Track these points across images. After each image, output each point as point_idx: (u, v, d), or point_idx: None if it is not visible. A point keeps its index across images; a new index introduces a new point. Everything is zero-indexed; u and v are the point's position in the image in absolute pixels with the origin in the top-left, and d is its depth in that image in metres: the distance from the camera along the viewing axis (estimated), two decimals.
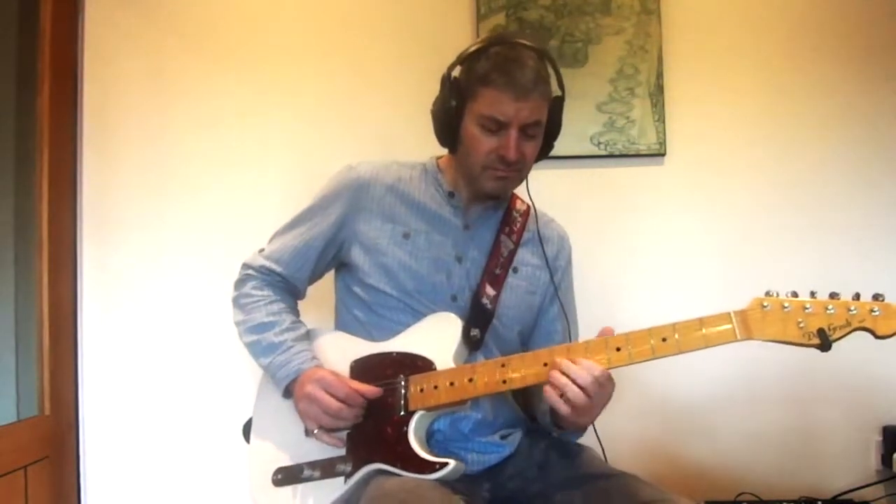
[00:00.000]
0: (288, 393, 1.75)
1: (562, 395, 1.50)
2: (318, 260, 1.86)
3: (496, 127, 1.70)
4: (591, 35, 2.63)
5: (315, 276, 1.91)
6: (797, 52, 2.68)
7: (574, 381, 1.49)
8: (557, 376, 1.51)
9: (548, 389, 1.52)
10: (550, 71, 1.76)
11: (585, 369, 1.49)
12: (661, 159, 2.66)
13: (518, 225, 1.91)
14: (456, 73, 1.78)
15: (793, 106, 2.68)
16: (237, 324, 1.84)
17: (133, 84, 2.65)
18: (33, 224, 2.49)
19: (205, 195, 2.65)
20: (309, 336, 1.84)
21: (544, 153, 1.84)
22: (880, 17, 2.67)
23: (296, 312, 1.89)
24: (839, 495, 2.53)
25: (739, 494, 2.50)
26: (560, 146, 2.53)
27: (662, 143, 2.63)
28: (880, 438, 2.61)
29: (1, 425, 2.32)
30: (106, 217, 2.63)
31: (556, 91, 1.79)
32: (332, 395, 1.63)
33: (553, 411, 1.60)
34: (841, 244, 2.65)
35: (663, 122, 2.62)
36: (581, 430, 1.74)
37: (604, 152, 2.64)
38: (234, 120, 2.66)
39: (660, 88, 2.62)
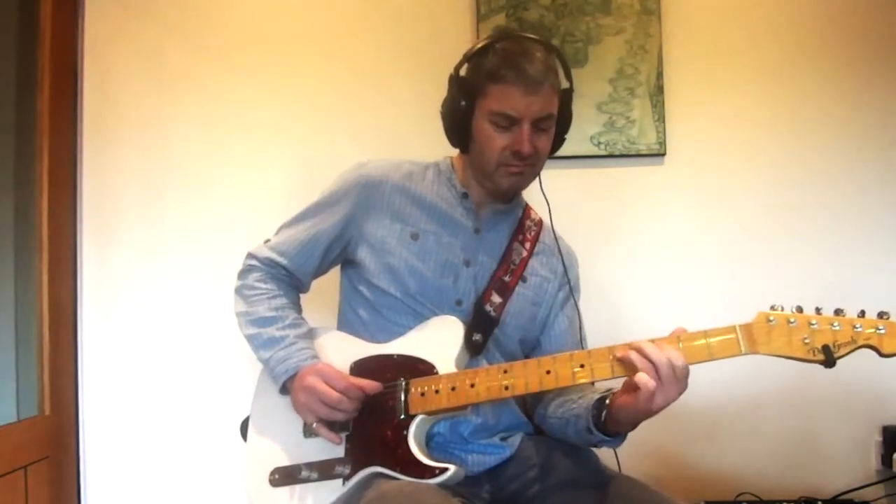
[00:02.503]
0: (285, 389, 1.74)
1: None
2: (324, 256, 1.85)
3: (508, 123, 1.69)
4: (591, 35, 2.63)
5: (320, 271, 1.90)
6: (797, 51, 2.68)
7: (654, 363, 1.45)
8: (642, 360, 1.47)
9: (641, 377, 1.45)
10: (557, 63, 1.74)
11: (665, 354, 1.45)
12: (661, 159, 2.66)
13: (532, 234, 1.90)
14: (463, 71, 1.76)
15: (793, 106, 2.68)
16: (238, 314, 1.82)
17: (133, 84, 2.65)
18: (33, 224, 2.49)
19: (205, 195, 2.65)
20: (311, 334, 1.82)
21: (556, 146, 1.82)
22: (881, 17, 2.67)
23: (298, 309, 1.88)
24: (839, 495, 2.53)
25: (739, 494, 2.50)
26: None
27: (662, 143, 2.63)
28: (880, 438, 2.61)
29: (1, 425, 2.32)
30: (106, 217, 2.63)
31: (564, 83, 1.78)
32: (332, 387, 1.62)
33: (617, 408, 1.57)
34: (841, 244, 2.65)
35: (663, 122, 2.62)
36: (625, 431, 1.64)
37: (604, 152, 2.64)
38: (235, 120, 2.66)
39: (660, 88, 2.62)
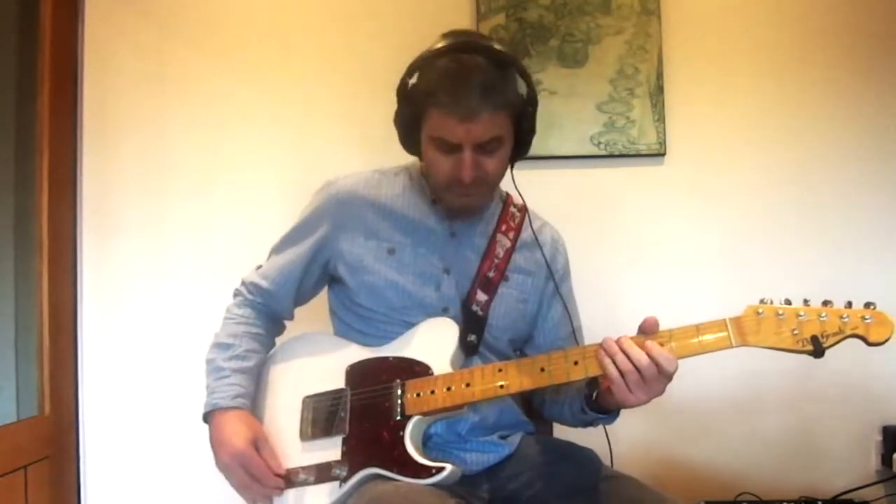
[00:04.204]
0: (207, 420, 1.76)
1: (623, 376, 1.47)
2: (302, 279, 1.84)
3: (449, 148, 1.62)
4: (591, 35, 2.63)
5: (301, 294, 1.88)
6: (797, 51, 2.68)
7: (636, 365, 1.46)
8: (622, 360, 1.48)
9: (612, 371, 1.48)
10: (512, 74, 1.63)
11: (654, 356, 1.46)
12: (661, 159, 2.66)
13: (516, 221, 1.87)
14: (410, 81, 1.67)
15: (793, 105, 2.67)
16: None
17: (133, 84, 2.65)
18: (33, 224, 2.49)
19: (204, 195, 2.65)
20: (300, 343, 1.84)
21: (521, 154, 1.75)
22: (881, 17, 2.67)
23: (263, 338, 1.86)
24: (839, 495, 2.52)
25: (739, 494, 2.50)
26: (560, 146, 2.55)
27: (662, 143, 2.63)
28: (880, 438, 2.61)
29: (1, 425, 2.32)
30: (106, 217, 2.63)
31: (521, 88, 1.66)
32: (249, 474, 1.65)
33: (601, 394, 1.59)
34: (841, 244, 2.65)
35: (663, 122, 2.62)
36: (617, 411, 1.68)
37: (604, 152, 2.63)
38: (234, 120, 2.66)
39: (660, 88, 2.62)
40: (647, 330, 1.53)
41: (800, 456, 2.64)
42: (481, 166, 1.64)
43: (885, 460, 2.57)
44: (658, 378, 1.47)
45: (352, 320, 1.83)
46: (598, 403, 1.64)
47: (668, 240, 2.67)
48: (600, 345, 1.52)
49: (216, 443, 1.70)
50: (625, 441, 2.54)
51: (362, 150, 2.59)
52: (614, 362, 1.48)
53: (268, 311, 1.87)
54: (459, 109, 1.56)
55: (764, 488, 2.52)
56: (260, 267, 1.89)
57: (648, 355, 1.46)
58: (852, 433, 2.63)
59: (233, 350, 1.77)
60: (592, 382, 1.63)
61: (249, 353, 1.79)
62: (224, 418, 1.71)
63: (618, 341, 1.50)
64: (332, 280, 1.88)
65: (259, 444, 1.67)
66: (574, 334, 1.87)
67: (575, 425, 1.81)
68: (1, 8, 2.55)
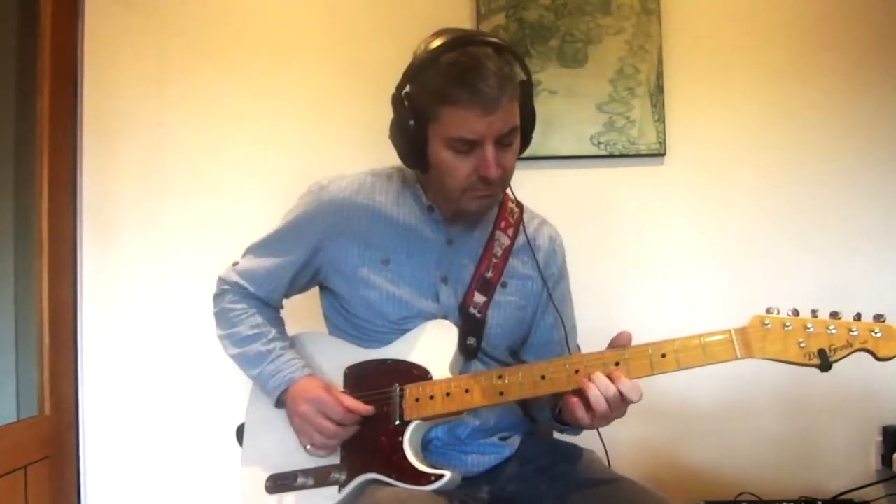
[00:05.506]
0: (280, 402, 1.71)
1: (587, 406, 1.47)
2: (290, 285, 1.81)
3: (468, 146, 1.55)
4: (591, 35, 2.63)
5: (290, 294, 1.86)
6: (797, 51, 2.68)
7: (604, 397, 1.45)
8: (592, 389, 1.46)
9: (574, 400, 1.48)
10: (512, 60, 1.59)
11: (624, 389, 1.45)
12: (661, 159, 2.66)
13: (515, 217, 1.82)
14: (408, 88, 1.62)
15: (793, 105, 2.68)
16: (221, 337, 1.80)
17: (133, 85, 2.66)
18: (33, 224, 2.50)
19: (204, 196, 2.66)
20: (295, 344, 1.80)
21: (524, 147, 1.68)
22: (881, 17, 2.67)
23: (278, 323, 1.84)
24: (839, 495, 2.53)
25: (739, 494, 2.50)
26: (560, 146, 2.54)
27: (662, 143, 2.63)
28: (880, 438, 2.62)
29: (1, 425, 2.33)
30: (106, 217, 2.64)
31: (520, 75, 1.61)
32: (328, 418, 1.60)
33: (565, 411, 1.58)
34: (841, 244, 2.66)
35: (663, 122, 2.62)
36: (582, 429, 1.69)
37: (604, 152, 2.64)
38: (234, 121, 2.67)
39: (660, 88, 2.62)
40: (620, 345, 1.52)
41: (800, 456, 2.64)
42: (502, 163, 1.59)
43: (885, 460, 2.58)
44: (621, 406, 1.47)
45: (347, 327, 1.79)
46: (562, 416, 1.64)
47: (667, 239, 2.67)
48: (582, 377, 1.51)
49: (301, 400, 1.65)
50: (625, 441, 2.54)
51: (362, 150, 2.57)
52: (587, 395, 1.47)
53: (263, 303, 1.83)
54: (480, 102, 1.50)
55: (764, 488, 2.52)
56: (237, 264, 1.85)
57: (615, 385, 1.46)
58: (852, 433, 2.64)
59: (266, 336, 1.74)
60: (556, 395, 1.61)
61: (281, 334, 1.79)
62: (299, 387, 1.66)
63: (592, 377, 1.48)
64: (323, 288, 1.85)
65: (332, 391, 1.65)
66: (566, 337, 1.83)
67: (550, 431, 1.81)
68: (1, 8, 2.54)
